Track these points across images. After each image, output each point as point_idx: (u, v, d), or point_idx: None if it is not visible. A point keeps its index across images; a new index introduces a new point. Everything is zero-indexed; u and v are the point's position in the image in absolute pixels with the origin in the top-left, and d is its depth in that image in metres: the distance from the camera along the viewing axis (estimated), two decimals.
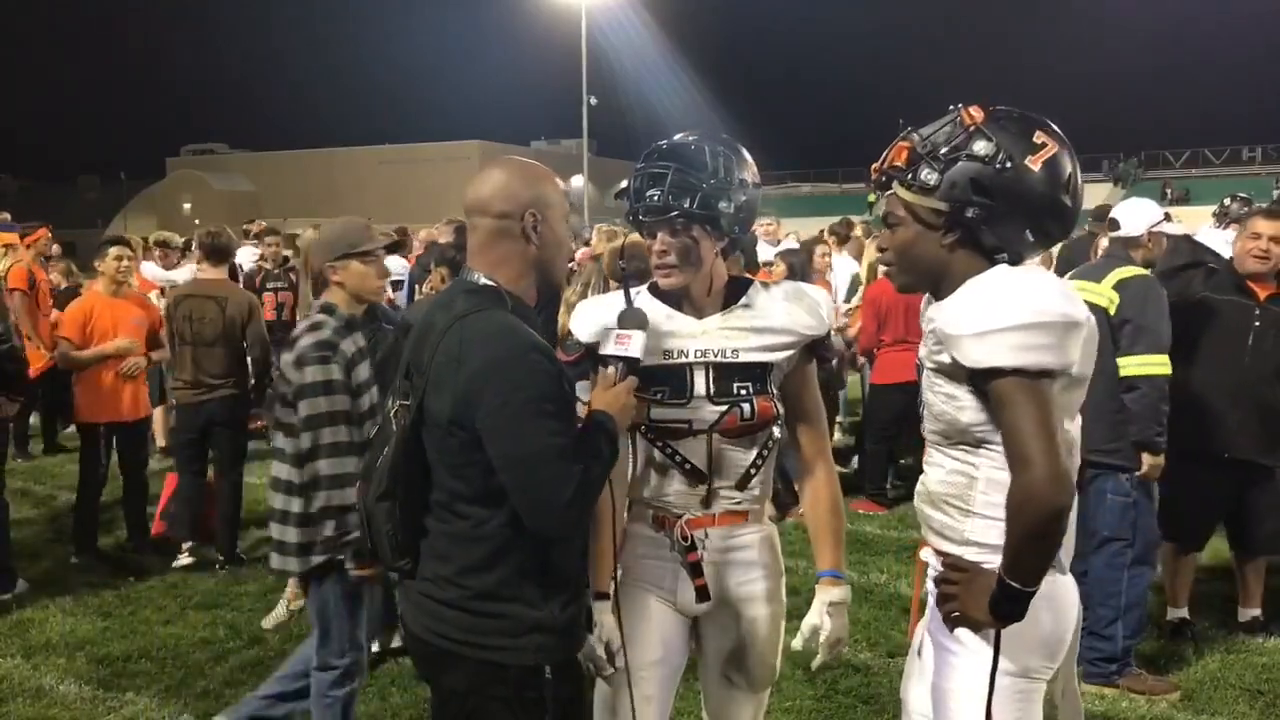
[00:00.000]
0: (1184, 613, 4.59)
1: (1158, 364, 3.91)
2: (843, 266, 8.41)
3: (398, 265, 8.28)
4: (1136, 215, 4.23)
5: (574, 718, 2.16)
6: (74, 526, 5.82)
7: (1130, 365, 3.90)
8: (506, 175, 2.10)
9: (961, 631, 1.98)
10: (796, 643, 2.37)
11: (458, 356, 1.95)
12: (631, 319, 2.16)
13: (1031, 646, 1.96)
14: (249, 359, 5.74)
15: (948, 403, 1.97)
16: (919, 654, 2.20)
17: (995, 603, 1.87)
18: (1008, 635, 1.92)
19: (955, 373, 1.93)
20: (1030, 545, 1.82)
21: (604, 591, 2.32)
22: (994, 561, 1.94)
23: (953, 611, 1.96)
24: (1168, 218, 4.38)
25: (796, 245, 8.38)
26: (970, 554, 1.99)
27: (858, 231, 9.57)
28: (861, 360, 7.36)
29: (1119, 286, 3.97)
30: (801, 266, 6.78)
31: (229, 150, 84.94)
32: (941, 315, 1.93)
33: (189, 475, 5.78)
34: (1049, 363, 1.83)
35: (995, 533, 1.94)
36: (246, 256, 9.32)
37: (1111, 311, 3.91)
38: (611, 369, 2.14)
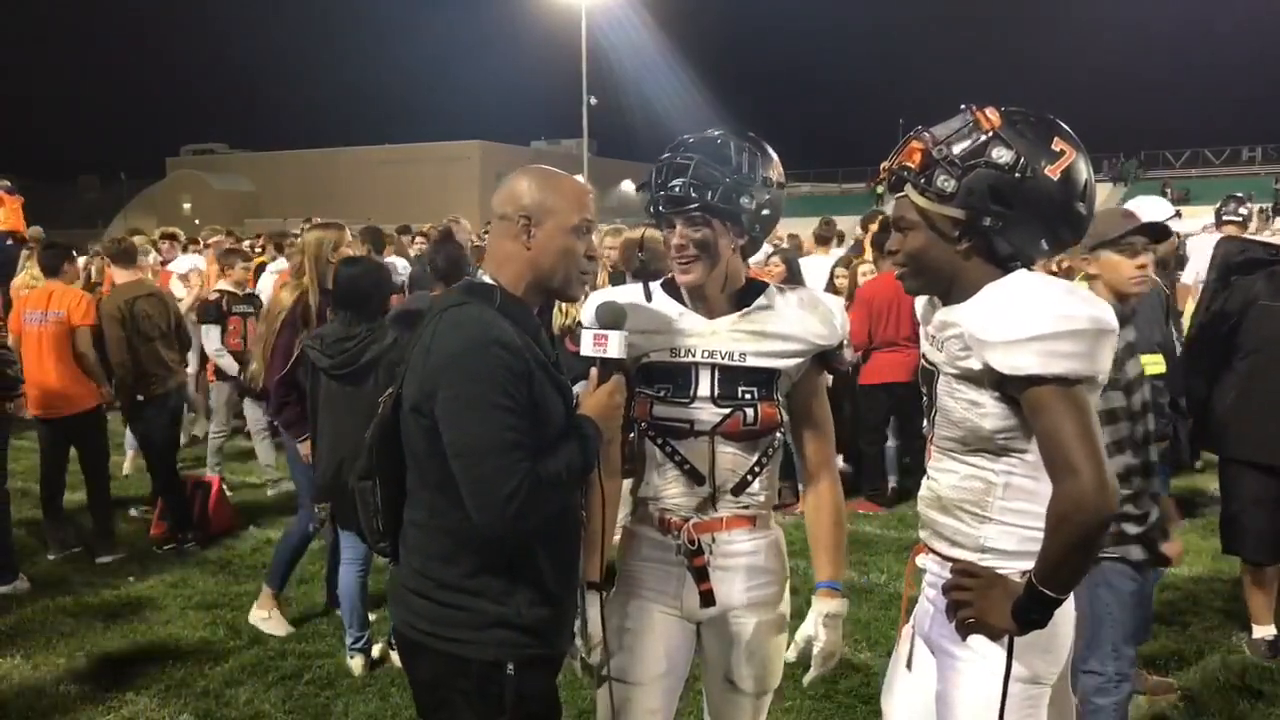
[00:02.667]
0: (1271, 630, 4.44)
1: (1151, 364, 3.91)
2: (825, 265, 8.38)
3: (400, 266, 8.26)
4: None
5: (538, 718, 2.14)
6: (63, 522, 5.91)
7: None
8: (520, 180, 2.13)
9: (974, 638, 1.97)
10: (790, 654, 2.36)
11: (428, 345, 2.00)
12: (608, 316, 2.14)
13: (1042, 652, 1.96)
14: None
15: (970, 409, 1.95)
16: (908, 666, 2.18)
17: (1022, 609, 1.86)
18: (1021, 641, 1.92)
19: (981, 379, 1.92)
20: (1073, 554, 1.81)
21: (594, 581, 2.31)
22: (1009, 567, 1.95)
23: (968, 618, 1.95)
24: (1178, 215, 4.35)
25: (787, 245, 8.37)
26: (985, 561, 1.98)
27: (858, 230, 9.54)
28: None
29: None
30: (797, 265, 6.79)
31: (229, 150, 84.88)
32: (971, 321, 1.90)
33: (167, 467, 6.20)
34: (1086, 370, 1.82)
35: (1013, 539, 1.95)
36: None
37: None
38: (593, 371, 2.14)
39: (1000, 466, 1.96)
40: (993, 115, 1.91)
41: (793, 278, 6.62)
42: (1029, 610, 1.86)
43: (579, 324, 2.39)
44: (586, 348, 2.14)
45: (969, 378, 1.94)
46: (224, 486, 6.48)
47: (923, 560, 2.16)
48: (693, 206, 2.21)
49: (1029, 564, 1.95)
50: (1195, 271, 8.10)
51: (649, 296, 2.32)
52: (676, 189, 2.21)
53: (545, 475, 1.95)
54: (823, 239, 8.99)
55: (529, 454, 1.93)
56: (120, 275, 6.20)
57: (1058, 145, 1.89)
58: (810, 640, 2.33)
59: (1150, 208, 4.30)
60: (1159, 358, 3.92)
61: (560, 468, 1.99)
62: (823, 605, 2.34)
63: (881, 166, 2.05)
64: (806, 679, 2.35)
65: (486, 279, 2.12)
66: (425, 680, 2.13)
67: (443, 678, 2.07)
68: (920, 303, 2.18)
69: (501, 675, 2.03)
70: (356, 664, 4.31)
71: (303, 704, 4.02)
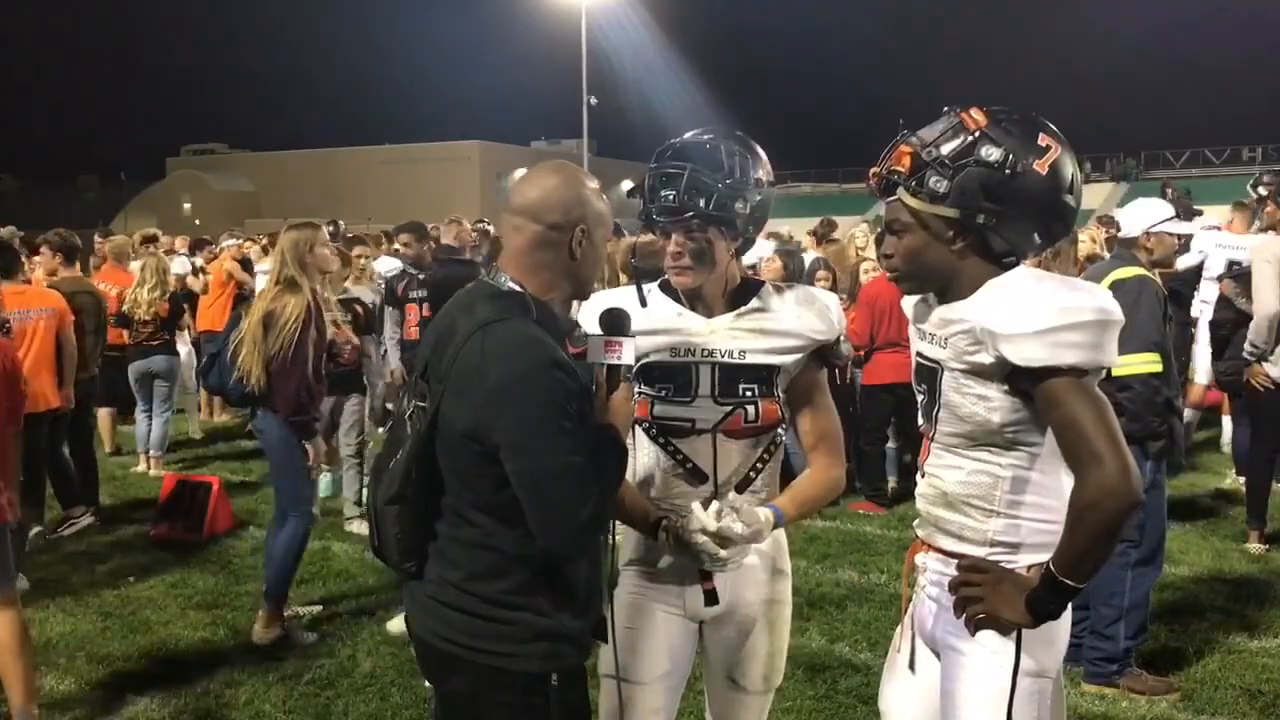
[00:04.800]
0: None
1: (1148, 362, 3.91)
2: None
3: (386, 265, 8.25)
4: (1135, 216, 4.27)
5: None
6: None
7: (1122, 365, 3.89)
8: (560, 184, 2.05)
9: (984, 634, 1.97)
10: (708, 519, 2.18)
11: (478, 368, 1.91)
12: (615, 322, 2.12)
13: (1046, 644, 1.98)
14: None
15: (979, 404, 1.96)
16: (911, 667, 2.18)
17: (1040, 601, 1.88)
18: (1028, 635, 1.93)
19: (991, 373, 1.93)
20: (1098, 543, 1.83)
21: (654, 521, 2.26)
22: (1015, 561, 1.97)
23: (978, 613, 1.96)
24: (1181, 216, 4.37)
25: (791, 246, 8.38)
26: (994, 555, 1.99)
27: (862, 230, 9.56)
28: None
29: (1114, 286, 3.98)
30: (796, 266, 6.78)
31: (229, 150, 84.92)
32: (981, 315, 1.92)
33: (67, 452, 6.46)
34: (1096, 360, 1.85)
35: (1020, 532, 1.97)
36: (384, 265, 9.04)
37: None
38: (602, 380, 2.12)
39: (1007, 460, 1.98)
40: (978, 115, 1.94)
41: (791, 275, 6.59)
42: (1047, 601, 1.88)
43: (578, 328, 2.39)
44: (597, 354, 2.12)
45: (978, 372, 1.95)
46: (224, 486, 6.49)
47: (922, 558, 2.16)
48: (688, 216, 2.21)
49: (1036, 557, 1.97)
50: (1189, 264, 8.06)
51: (644, 300, 2.32)
52: (670, 199, 2.21)
53: (609, 497, 1.96)
54: (824, 238, 9.02)
55: (592, 474, 1.92)
56: (63, 270, 6.69)
57: (1043, 141, 1.93)
58: (727, 513, 2.19)
59: (1139, 211, 4.31)
60: (1155, 356, 3.93)
61: (614, 480, 2.00)
62: (753, 511, 2.23)
63: (870, 172, 2.07)
64: (703, 522, 2.18)
65: (512, 285, 2.04)
66: (462, 692, 2.07)
67: (484, 690, 2.03)
68: (910, 302, 2.19)
69: (546, 687, 2.02)
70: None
71: (303, 704, 4.02)
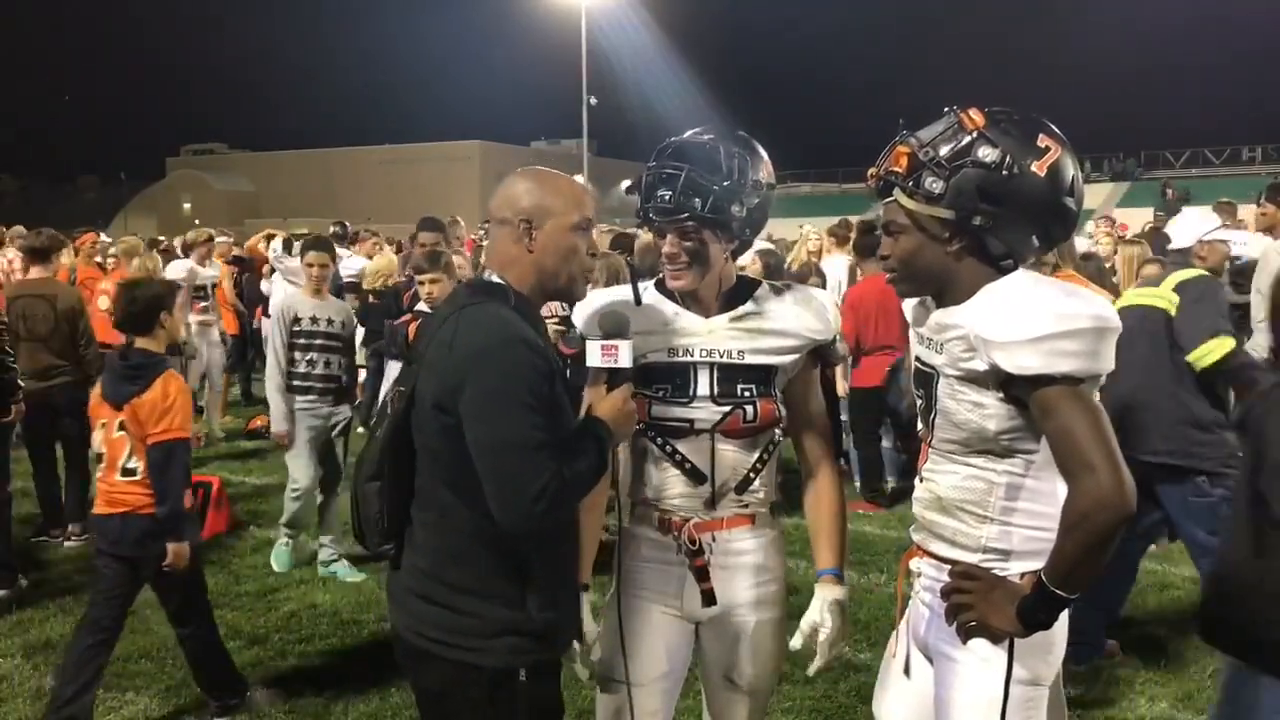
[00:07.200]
0: None
1: (1225, 346, 3.87)
2: (841, 265, 8.41)
3: (354, 266, 8.22)
4: (1186, 228, 4.37)
5: None
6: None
7: (1202, 354, 3.84)
8: (516, 183, 2.14)
9: (975, 641, 1.96)
10: (795, 641, 2.35)
11: (449, 342, 1.99)
12: (613, 325, 2.13)
13: (1041, 653, 1.95)
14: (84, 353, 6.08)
15: (974, 410, 1.95)
16: (905, 672, 2.18)
17: (1029, 611, 1.86)
18: (1021, 643, 1.91)
19: (986, 380, 1.91)
20: (1090, 554, 1.81)
21: (585, 583, 2.34)
22: (1008, 568, 1.95)
23: (969, 621, 1.94)
24: (1226, 225, 4.49)
25: (772, 245, 8.40)
26: (986, 561, 1.98)
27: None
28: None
29: (1179, 288, 3.99)
30: (778, 266, 6.79)
31: (229, 150, 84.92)
32: (975, 322, 1.90)
33: (43, 464, 6.17)
34: (1091, 368, 1.83)
35: (1014, 539, 1.95)
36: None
37: (1173, 313, 3.92)
38: (603, 381, 2.13)
39: (1002, 467, 1.96)
40: (976, 115, 1.92)
41: (771, 275, 6.59)
42: (1037, 611, 1.86)
43: (572, 328, 2.41)
44: (594, 358, 2.13)
45: (972, 379, 1.94)
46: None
47: (917, 564, 2.15)
48: (683, 217, 2.21)
49: (1029, 564, 1.95)
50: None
51: (638, 299, 2.32)
52: (666, 199, 2.21)
53: (569, 475, 1.96)
54: (842, 239, 9.07)
55: (554, 453, 1.94)
56: (33, 271, 6.32)
57: (1043, 142, 1.91)
58: (816, 627, 2.31)
59: (1188, 223, 4.41)
60: (1229, 341, 3.95)
61: (583, 468, 2.00)
62: (827, 592, 2.33)
63: (869, 173, 2.06)
64: (813, 668, 2.33)
65: (495, 279, 2.12)
66: (434, 689, 2.09)
67: (453, 686, 2.04)
68: (910, 305, 2.18)
69: (514, 683, 2.02)
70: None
71: (303, 704, 4.02)
